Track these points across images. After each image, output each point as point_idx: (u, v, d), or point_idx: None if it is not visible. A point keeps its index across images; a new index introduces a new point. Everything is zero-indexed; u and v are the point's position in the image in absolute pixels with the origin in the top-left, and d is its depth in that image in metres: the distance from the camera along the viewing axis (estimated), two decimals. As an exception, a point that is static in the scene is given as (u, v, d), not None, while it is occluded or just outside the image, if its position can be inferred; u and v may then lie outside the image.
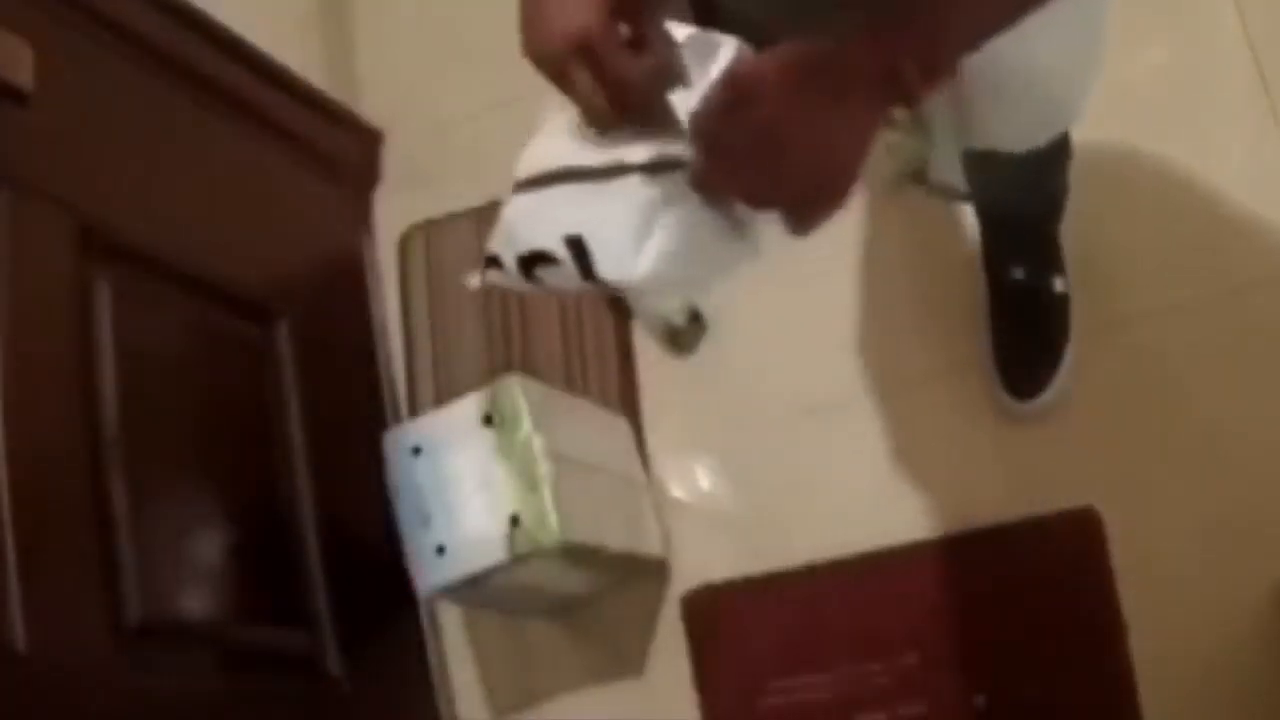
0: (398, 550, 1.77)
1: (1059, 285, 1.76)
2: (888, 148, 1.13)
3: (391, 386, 2.21)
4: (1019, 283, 1.77)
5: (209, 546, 1.75)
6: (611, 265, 0.91)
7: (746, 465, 1.97)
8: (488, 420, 1.75)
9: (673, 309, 1.17)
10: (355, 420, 2.09)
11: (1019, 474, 1.79)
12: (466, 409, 1.78)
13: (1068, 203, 1.73)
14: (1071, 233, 1.77)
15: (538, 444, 1.73)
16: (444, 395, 2.11)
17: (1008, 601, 1.76)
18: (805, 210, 0.90)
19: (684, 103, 0.92)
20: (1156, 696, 1.65)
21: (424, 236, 2.27)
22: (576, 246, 0.91)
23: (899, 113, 1.00)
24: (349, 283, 2.25)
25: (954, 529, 1.80)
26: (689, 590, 1.94)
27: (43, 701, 1.42)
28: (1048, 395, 1.76)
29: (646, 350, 2.02)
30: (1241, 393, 1.71)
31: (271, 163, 2.12)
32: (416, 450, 1.78)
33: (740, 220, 0.93)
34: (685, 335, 1.23)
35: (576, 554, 1.75)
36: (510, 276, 0.97)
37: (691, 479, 2.01)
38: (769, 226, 0.94)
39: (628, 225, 0.90)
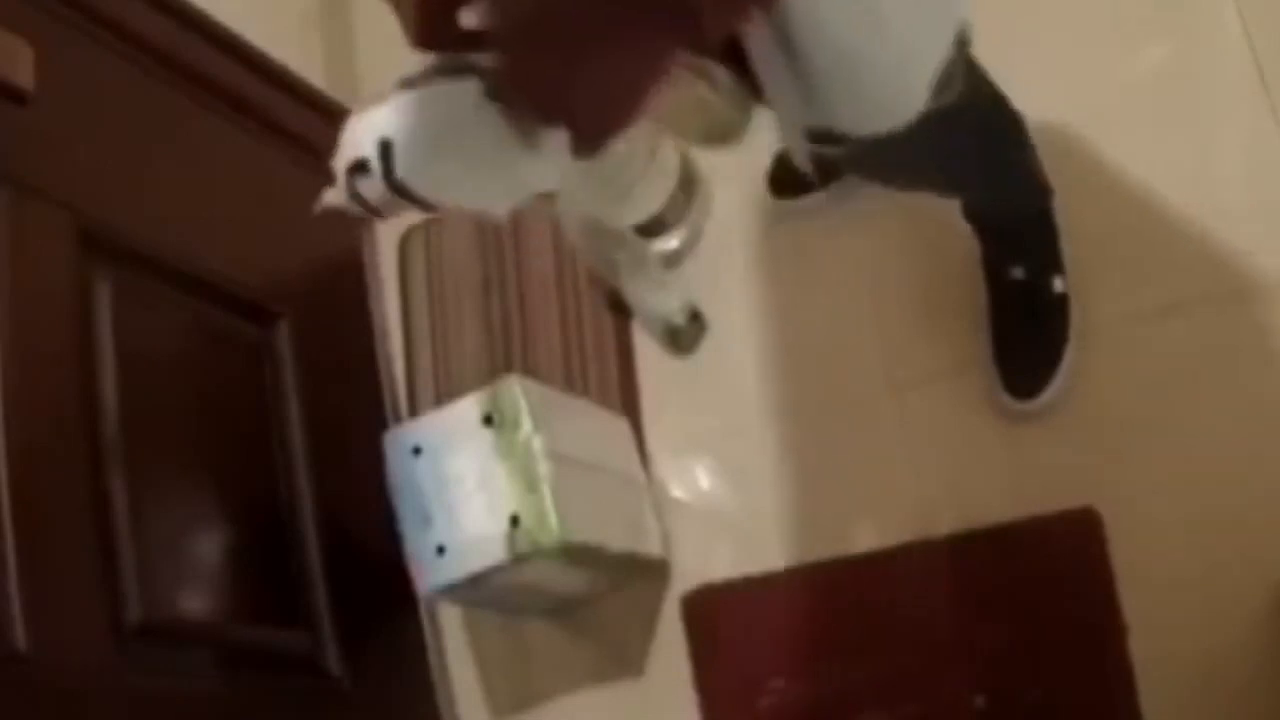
0: (398, 550, 1.77)
1: (1058, 285, 1.76)
2: (699, 102, 1.15)
3: (391, 386, 2.21)
4: (1019, 282, 1.76)
5: (209, 546, 1.75)
6: (405, 164, 0.97)
7: (746, 465, 1.97)
8: (488, 420, 1.75)
9: (673, 309, 1.17)
10: (355, 420, 2.09)
11: (1019, 474, 1.79)
12: (466, 409, 1.78)
13: (1052, 202, 1.73)
14: (1071, 232, 1.77)
15: (538, 444, 1.73)
16: (444, 395, 2.11)
17: (1008, 601, 1.76)
18: (587, 127, 0.95)
19: None
20: (1156, 696, 1.65)
21: (424, 236, 2.27)
22: (385, 149, 0.97)
23: (720, 72, 1.07)
24: (349, 283, 2.25)
25: (954, 529, 1.80)
26: (689, 590, 1.94)
27: (43, 701, 1.42)
28: (1048, 395, 1.76)
29: (646, 350, 2.02)
30: (1241, 393, 1.71)
31: (271, 163, 2.12)
32: (416, 450, 1.78)
33: (525, 135, 0.98)
34: (685, 335, 1.23)
35: (576, 554, 1.75)
36: (339, 193, 1.02)
37: (691, 479, 2.01)
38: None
39: (423, 125, 0.97)
